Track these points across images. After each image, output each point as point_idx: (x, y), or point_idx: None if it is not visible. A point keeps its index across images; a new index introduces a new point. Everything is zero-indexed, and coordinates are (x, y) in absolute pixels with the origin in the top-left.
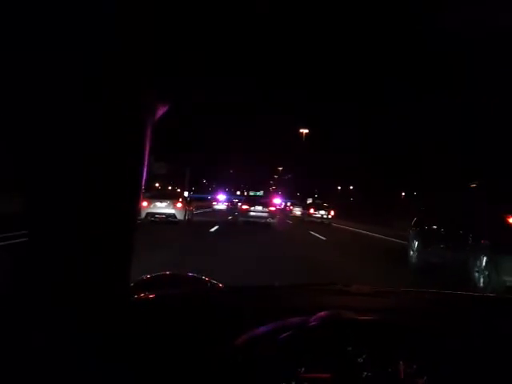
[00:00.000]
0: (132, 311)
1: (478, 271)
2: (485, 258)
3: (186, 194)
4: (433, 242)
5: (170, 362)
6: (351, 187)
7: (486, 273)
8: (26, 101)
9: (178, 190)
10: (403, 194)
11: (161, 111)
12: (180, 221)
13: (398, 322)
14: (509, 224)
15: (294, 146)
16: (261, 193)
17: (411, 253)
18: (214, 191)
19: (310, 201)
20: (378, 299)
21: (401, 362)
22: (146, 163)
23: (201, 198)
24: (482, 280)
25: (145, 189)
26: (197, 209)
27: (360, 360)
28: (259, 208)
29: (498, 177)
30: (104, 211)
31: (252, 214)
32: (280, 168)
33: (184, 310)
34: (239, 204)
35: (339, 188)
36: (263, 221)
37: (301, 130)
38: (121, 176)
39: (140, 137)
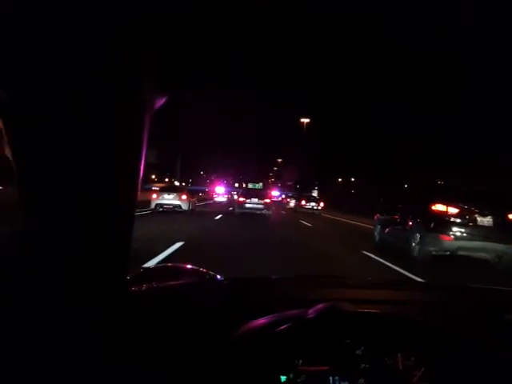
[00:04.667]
0: (130, 303)
1: (414, 244)
2: (418, 235)
3: (176, 183)
4: (389, 225)
5: (168, 353)
6: (352, 179)
7: (419, 245)
8: (22, 94)
9: (177, 183)
10: (406, 186)
11: (159, 102)
12: (185, 210)
13: (396, 314)
14: (432, 210)
15: (294, 137)
16: (260, 185)
17: (375, 234)
18: (213, 183)
19: (314, 193)
20: (377, 291)
21: (399, 355)
22: (144, 155)
23: (197, 191)
24: (416, 250)
25: (142, 180)
26: (198, 201)
27: (358, 352)
28: (255, 200)
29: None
30: (102, 203)
31: (248, 205)
32: (279, 160)
33: (182, 301)
34: (236, 196)
35: (340, 180)
36: (258, 212)
37: (302, 120)
38: (119, 168)
39: (138, 129)
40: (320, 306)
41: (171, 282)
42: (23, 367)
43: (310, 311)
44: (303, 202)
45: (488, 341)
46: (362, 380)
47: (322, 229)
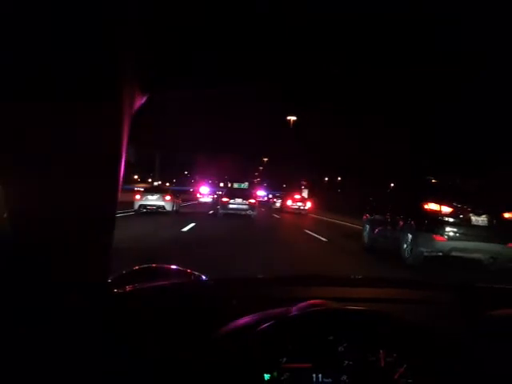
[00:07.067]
0: (112, 305)
1: (405, 245)
2: (409, 235)
3: (156, 184)
4: (378, 226)
5: (152, 354)
6: (339, 178)
7: (410, 246)
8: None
9: (155, 183)
10: (392, 185)
11: (139, 102)
12: (168, 211)
13: (378, 312)
14: (424, 209)
15: (280, 135)
16: (245, 185)
17: (364, 235)
18: (197, 183)
19: (305, 193)
20: (361, 289)
21: (381, 351)
22: (124, 156)
23: (181, 191)
24: (407, 251)
25: (123, 181)
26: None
27: (341, 349)
28: (239, 200)
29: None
30: (82, 205)
31: (232, 206)
32: (265, 159)
33: (167, 302)
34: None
35: (326, 179)
36: (243, 213)
37: (288, 118)
38: (99, 169)
39: (118, 129)
40: (303, 303)
41: (155, 283)
42: (7, 369)
43: (293, 309)
44: (289, 203)
45: (471, 338)
46: (344, 377)
47: (339, 243)
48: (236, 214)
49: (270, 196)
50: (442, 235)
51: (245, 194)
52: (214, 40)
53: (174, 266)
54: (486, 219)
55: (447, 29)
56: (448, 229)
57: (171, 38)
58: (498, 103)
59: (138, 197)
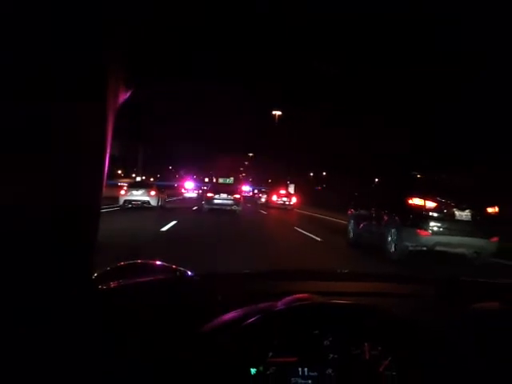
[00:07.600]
0: (97, 301)
1: (390, 240)
2: (394, 230)
3: (138, 179)
4: (363, 220)
5: (138, 349)
6: (324, 173)
7: (395, 240)
8: None
9: (138, 178)
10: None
11: (124, 97)
12: (154, 207)
13: (362, 305)
14: (409, 205)
15: (265, 130)
16: (231, 180)
17: (349, 230)
18: (182, 178)
19: (291, 188)
20: (348, 283)
21: (366, 344)
22: (108, 151)
23: (166, 186)
24: (393, 245)
25: (107, 176)
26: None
27: (326, 343)
28: (224, 196)
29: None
30: (66, 201)
31: (217, 201)
32: (250, 154)
33: (152, 298)
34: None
35: (311, 174)
36: (228, 208)
37: (274, 112)
38: (85, 166)
39: (102, 125)
40: (289, 298)
41: (140, 279)
42: None
43: (279, 303)
44: (274, 198)
45: (455, 331)
46: (330, 370)
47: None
48: (221, 210)
49: (256, 191)
50: (426, 230)
51: (230, 189)
52: (214, 40)
53: (159, 262)
54: (469, 214)
55: (447, 29)
56: (432, 223)
57: (170, 37)
58: (498, 103)
59: (122, 192)
